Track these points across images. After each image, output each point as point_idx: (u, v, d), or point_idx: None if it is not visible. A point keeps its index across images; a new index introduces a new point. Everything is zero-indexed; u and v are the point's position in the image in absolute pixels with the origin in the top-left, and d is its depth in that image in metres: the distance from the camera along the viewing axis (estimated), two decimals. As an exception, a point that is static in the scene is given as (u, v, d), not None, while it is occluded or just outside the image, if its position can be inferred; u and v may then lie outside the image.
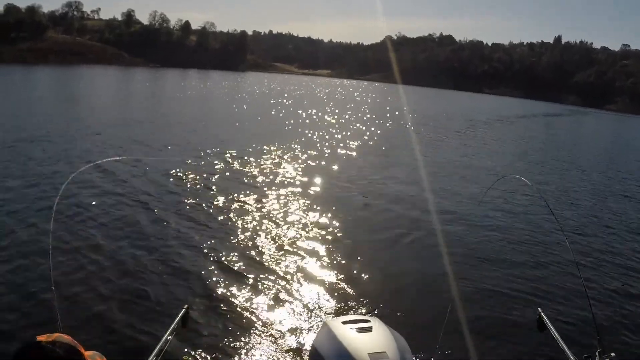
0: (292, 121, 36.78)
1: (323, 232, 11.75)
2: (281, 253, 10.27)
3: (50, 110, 31.55)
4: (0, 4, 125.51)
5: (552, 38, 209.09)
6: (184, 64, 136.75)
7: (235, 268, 9.37)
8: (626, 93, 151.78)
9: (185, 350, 6.53)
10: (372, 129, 36.93)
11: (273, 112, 42.79)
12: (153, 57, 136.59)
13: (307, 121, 38.15)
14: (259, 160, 20.16)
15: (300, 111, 45.73)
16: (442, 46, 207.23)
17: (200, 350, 6.66)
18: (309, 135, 30.07)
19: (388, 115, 50.55)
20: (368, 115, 48.31)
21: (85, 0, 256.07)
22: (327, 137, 29.86)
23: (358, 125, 38.85)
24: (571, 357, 3.03)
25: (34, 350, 1.73)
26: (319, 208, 13.65)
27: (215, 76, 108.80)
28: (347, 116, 45.67)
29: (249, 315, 7.72)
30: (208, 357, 6.59)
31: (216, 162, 19.21)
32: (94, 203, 12.46)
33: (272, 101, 55.61)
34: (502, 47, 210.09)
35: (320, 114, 44.96)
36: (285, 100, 58.30)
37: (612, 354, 2.90)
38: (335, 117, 44.14)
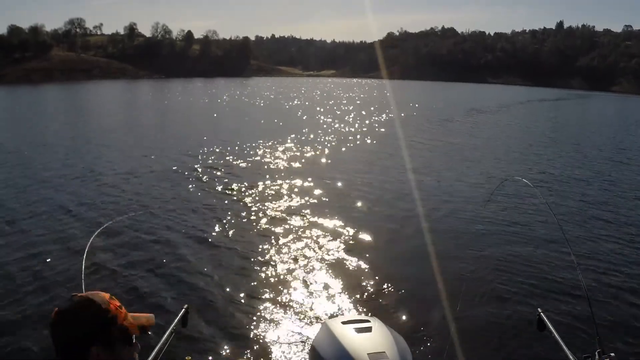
0: (298, 122, 37.27)
1: (323, 233, 11.79)
2: (281, 253, 10.35)
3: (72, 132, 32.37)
4: (3, 25, 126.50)
5: (554, 24, 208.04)
6: (188, 73, 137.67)
7: (235, 269, 9.52)
8: (630, 74, 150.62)
9: (185, 350, 6.59)
10: (375, 126, 37.31)
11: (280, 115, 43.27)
12: (157, 68, 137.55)
13: (307, 119, 38.59)
14: (263, 162, 20.54)
15: (304, 111, 46.30)
16: (445, 39, 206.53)
17: (200, 350, 6.77)
18: (311, 134, 30.55)
19: (394, 111, 50.56)
20: (366, 113, 48.70)
21: (87, 16, 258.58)
22: (324, 138, 30.08)
23: (360, 123, 39.26)
24: (571, 357, 3.02)
25: (69, 299, 1.99)
26: (318, 209, 13.63)
27: (222, 84, 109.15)
28: (351, 114, 46.13)
29: (249, 315, 7.80)
30: (208, 357, 6.70)
31: (218, 164, 19.75)
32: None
33: (285, 105, 56.10)
34: (505, 36, 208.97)
35: (323, 114, 45.51)
36: (297, 101, 58.84)
37: (612, 354, 2.87)
38: (339, 116, 44.61)
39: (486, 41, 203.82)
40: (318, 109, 51.32)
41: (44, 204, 13.80)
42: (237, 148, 23.83)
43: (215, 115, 43.80)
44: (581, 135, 37.55)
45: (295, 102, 62.16)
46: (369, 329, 3.22)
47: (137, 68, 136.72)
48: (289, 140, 26.94)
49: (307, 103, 60.17)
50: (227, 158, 21.37)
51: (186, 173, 18.12)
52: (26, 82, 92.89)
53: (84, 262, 3.49)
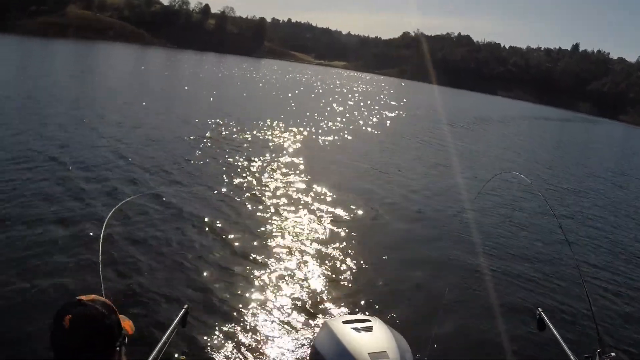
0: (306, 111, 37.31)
1: (323, 232, 11.60)
2: (282, 253, 10.14)
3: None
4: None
5: (570, 44, 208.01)
6: (201, 46, 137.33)
7: (235, 268, 9.30)
8: (639, 105, 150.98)
9: (185, 350, 6.57)
10: (383, 120, 37.58)
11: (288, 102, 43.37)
12: (171, 37, 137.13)
13: (316, 106, 38.63)
14: (267, 153, 19.85)
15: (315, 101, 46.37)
16: (460, 46, 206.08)
17: (200, 350, 6.71)
18: (317, 124, 30.53)
19: (401, 108, 50.95)
20: (378, 107, 48.70)
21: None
22: (334, 128, 30.15)
23: (369, 116, 39.35)
24: (571, 357, 3.03)
25: (76, 305, 1.97)
26: (319, 208, 13.34)
27: (235, 61, 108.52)
28: (360, 108, 46.14)
29: (249, 315, 7.70)
30: (208, 357, 6.64)
31: (227, 143, 19.78)
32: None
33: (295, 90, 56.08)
34: (520, 51, 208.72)
35: (333, 104, 45.56)
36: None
37: (612, 354, 2.88)
38: (350, 108, 44.63)
39: (501, 53, 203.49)
40: (329, 98, 51.49)
41: (48, 174, 12.99)
42: (248, 128, 23.98)
43: (227, 90, 44.08)
44: (582, 152, 37.89)
45: (308, 88, 62.25)
46: (369, 329, 3.23)
47: (151, 35, 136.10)
48: (299, 128, 26.95)
49: (320, 91, 60.27)
50: (237, 138, 21.37)
51: (194, 151, 17.73)
52: (40, 36, 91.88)
53: (100, 255, 3.51)
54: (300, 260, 9.88)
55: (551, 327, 3.37)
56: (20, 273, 8.01)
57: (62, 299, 7.28)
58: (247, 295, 8.31)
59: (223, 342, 6.94)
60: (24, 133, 16.68)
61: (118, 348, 2.04)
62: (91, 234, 9.69)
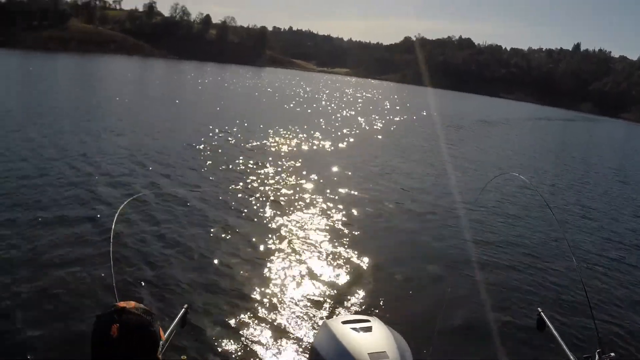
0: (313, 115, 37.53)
1: (324, 233, 11.48)
2: (282, 254, 10.05)
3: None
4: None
5: (571, 44, 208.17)
6: (203, 56, 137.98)
7: (235, 268, 9.23)
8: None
9: (185, 350, 6.53)
10: (385, 124, 37.57)
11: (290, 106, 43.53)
12: (173, 48, 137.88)
13: (319, 112, 38.57)
14: (271, 158, 19.71)
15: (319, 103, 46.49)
16: (461, 49, 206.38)
17: (200, 350, 6.67)
18: (320, 130, 30.54)
19: (403, 112, 51.02)
20: (386, 112, 48.87)
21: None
22: (338, 133, 30.20)
23: (371, 121, 39.34)
24: (571, 357, 3.00)
25: (120, 312, 1.91)
26: (320, 210, 13.24)
27: (237, 71, 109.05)
28: (363, 114, 46.13)
29: (249, 315, 7.65)
30: (208, 357, 6.60)
31: (228, 150, 19.80)
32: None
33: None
34: (521, 52, 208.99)
35: (338, 110, 45.75)
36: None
37: (612, 354, 2.86)
38: (352, 114, 44.73)
39: (502, 55, 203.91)
40: (331, 104, 51.66)
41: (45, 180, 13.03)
42: (253, 134, 24.01)
43: (231, 99, 44.10)
44: (582, 151, 37.89)
45: (310, 95, 62.29)
46: (369, 329, 3.16)
47: (152, 46, 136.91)
48: (303, 133, 27.00)
49: (324, 97, 60.43)
50: (243, 143, 21.42)
51: (201, 155, 18.07)
52: (42, 50, 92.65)
53: (112, 260, 3.52)
54: (300, 261, 9.84)
55: (551, 327, 3.37)
56: (35, 269, 8.22)
57: (75, 295, 7.57)
58: (246, 295, 8.29)
59: (223, 342, 6.93)
60: (36, 140, 17.15)
61: (160, 355, 2.01)
62: (100, 231, 9.91)
